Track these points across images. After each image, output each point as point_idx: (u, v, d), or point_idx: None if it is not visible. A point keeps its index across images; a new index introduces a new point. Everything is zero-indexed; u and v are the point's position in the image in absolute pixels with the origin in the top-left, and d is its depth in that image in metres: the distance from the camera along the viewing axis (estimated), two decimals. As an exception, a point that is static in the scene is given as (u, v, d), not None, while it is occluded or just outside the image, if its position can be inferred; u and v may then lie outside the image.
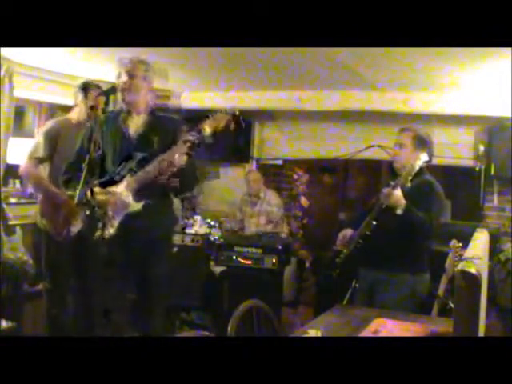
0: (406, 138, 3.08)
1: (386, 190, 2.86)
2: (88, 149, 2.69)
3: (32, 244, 3.79)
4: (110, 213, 2.54)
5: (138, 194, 2.56)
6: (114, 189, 2.58)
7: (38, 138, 3.48)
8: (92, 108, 3.22)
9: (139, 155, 2.62)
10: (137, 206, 2.55)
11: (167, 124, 2.79)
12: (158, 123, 2.77)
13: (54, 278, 3.46)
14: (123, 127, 2.74)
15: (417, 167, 2.84)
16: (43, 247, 3.48)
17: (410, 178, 2.84)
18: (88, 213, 2.59)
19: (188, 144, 2.46)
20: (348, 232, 3.13)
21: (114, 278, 2.73)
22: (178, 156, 2.47)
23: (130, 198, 2.56)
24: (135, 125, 2.75)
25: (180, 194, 2.88)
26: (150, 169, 2.53)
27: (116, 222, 2.54)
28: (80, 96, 3.40)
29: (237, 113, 2.55)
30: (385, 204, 2.87)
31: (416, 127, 3.24)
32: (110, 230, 2.53)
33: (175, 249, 4.44)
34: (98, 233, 2.49)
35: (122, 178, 2.60)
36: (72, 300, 3.45)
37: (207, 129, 2.48)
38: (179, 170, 2.52)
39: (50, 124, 3.50)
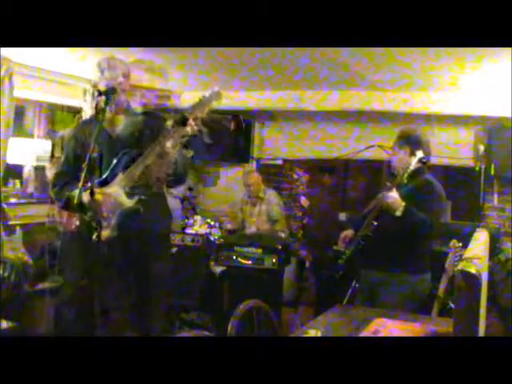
0: (401, 140, 3.08)
1: (382, 194, 2.87)
2: (75, 155, 2.73)
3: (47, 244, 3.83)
4: (105, 214, 2.54)
5: (131, 191, 2.57)
6: (107, 189, 2.58)
7: None
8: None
9: (129, 153, 2.63)
10: (131, 203, 2.56)
11: (152, 120, 2.80)
12: (143, 120, 2.78)
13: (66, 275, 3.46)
14: (109, 128, 2.74)
15: (413, 164, 2.85)
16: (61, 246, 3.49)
17: (406, 175, 2.85)
18: (88, 215, 2.59)
19: (180, 136, 2.45)
20: (349, 232, 3.14)
21: (113, 277, 2.73)
22: (170, 146, 2.46)
23: (123, 196, 2.56)
24: (121, 124, 2.76)
25: (172, 186, 2.89)
26: (140, 163, 2.54)
27: (112, 222, 2.54)
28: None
29: (216, 92, 2.53)
30: (384, 206, 2.87)
31: (411, 128, 3.24)
32: (107, 231, 2.52)
33: (175, 249, 4.45)
34: (95, 235, 2.48)
35: (114, 177, 2.60)
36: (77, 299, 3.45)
37: (198, 115, 2.48)
38: (170, 161, 2.52)
39: None
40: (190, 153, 2.65)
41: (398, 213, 2.82)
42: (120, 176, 2.59)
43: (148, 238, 2.73)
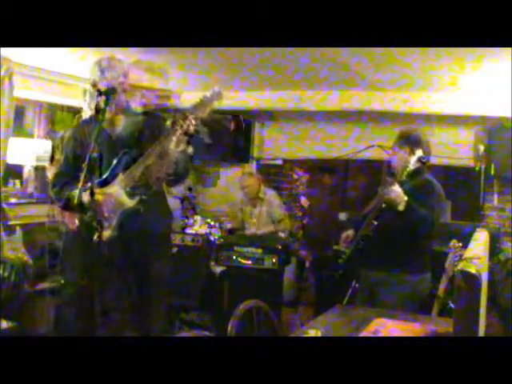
0: (401, 140, 3.09)
1: (384, 188, 2.87)
2: (75, 155, 2.73)
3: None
4: (106, 214, 2.54)
5: (132, 191, 2.57)
6: (107, 189, 2.58)
7: None
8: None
9: (130, 153, 2.63)
10: (131, 203, 2.56)
11: (152, 120, 2.81)
12: (143, 120, 2.79)
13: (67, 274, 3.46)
14: (109, 128, 2.74)
15: (412, 162, 2.86)
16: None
17: (405, 173, 2.85)
18: (88, 215, 2.58)
19: (181, 133, 2.45)
20: (350, 232, 3.14)
21: (113, 277, 2.73)
22: (171, 145, 2.47)
23: (124, 196, 2.56)
24: (120, 124, 2.76)
25: (173, 184, 2.89)
26: (140, 163, 2.54)
27: (113, 222, 2.54)
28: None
29: (218, 92, 2.53)
30: (385, 201, 2.87)
31: (411, 128, 3.25)
32: (108, 231, 2.52)
33: (175, 249, 4.45)
34: (96, 235, 2.48)
35: (114, 177, 2.60)
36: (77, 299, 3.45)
37: (199, 115, 2.48)
38: (170, 161, 2.53)
39: None
40: (189, 149, 2.65)
41: (401, 207, 2.82)
42: (120, 176, 2.59)
43: (148, 238, 2.73)
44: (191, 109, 2.48)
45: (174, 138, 2.45)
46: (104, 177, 2.63)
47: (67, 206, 2.74)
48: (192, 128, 2.45)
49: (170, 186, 3.08)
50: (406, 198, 2.82)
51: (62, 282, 3.44)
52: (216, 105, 2.53)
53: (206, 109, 2.49)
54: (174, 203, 4.93)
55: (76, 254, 3.23)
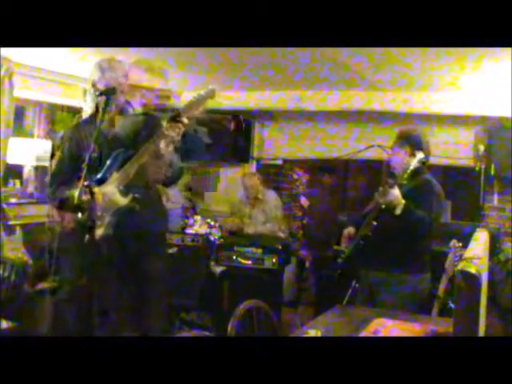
0: (401, 140, 3.09)
1: (381, 188, 2.87)
2: (71, 156, 2.75)
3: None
4: (99, 213, 2.54)
5: (126, 189, 2.57)
6: (102, 188, 2.59)
7: None
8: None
9: (125, 153, 2.63)
10: (125, 202, 2.57)
11: (150, 121, 2.82)
12: (140, 121, 2.80)
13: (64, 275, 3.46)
14: (107, 128, 2.75)
15: (412, 164, 2.86)
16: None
17: (405, 175, 2.86)
18: (84, 215, 2.58)
19: (173, 133, 2.46)
20: (352, 230, 3.14)
21: (111, 277, 2.73)
22: (163, 145, 2.47)
23: (117, 195, 2.57)
24: (118, 125, 2.77)
25: (168, 185, 2.92)
26: (134, 161, 2.55)
27: (105, 221, 2.55)
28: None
29: (211, 89, 2.53)
30: (383, 204, 2.87)
31: (411, 128, 3.25)
32: (101, 230, 2.53)
33: (175, 249, 4.45)
34: (89, 233, 2.48)
35: (109, 176, 2.61)
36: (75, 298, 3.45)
37: (190, 113, 2.49)
38: (166, 162, 2.54)
39: None
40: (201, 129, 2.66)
41: (398, 211, 2.82)
42: (114, 175, 2.60)
43: (144, 237, 2.74)
44: (184, 108, 2.49)
45: (167, 138, 2.47)
46: (99, 176, 2.64)
47: (62, 205, 2.75)
48: (182, 129, 2.46)
49: (166, 186, 3.09)
50: (403, 202, 2.82)
51: (58, 280, 3.44)
52: (209, 102, 2.53)
53: (198, 107, 2.49)
54: (176, 198, 4.94)
55: (71, 253, 3.24)
